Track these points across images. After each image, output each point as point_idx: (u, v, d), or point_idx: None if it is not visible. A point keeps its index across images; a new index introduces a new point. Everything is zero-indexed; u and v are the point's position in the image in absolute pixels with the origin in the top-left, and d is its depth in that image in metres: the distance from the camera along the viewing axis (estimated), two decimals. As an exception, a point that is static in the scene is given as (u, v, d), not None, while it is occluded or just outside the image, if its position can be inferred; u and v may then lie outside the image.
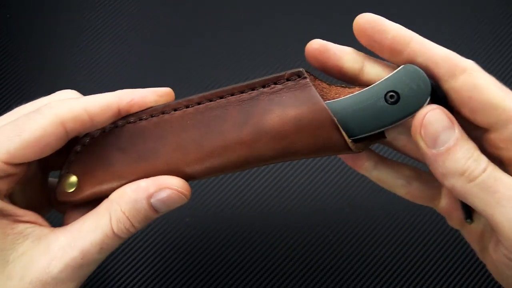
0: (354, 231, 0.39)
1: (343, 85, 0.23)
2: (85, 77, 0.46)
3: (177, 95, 0.34)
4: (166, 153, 0.23)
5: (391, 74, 0.22)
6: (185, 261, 0.39)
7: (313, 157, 0.23)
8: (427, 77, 0.21)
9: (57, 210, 0.28)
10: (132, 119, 0.24)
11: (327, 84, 0.23)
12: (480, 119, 0.21)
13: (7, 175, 0.22)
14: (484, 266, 0.38)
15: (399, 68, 0.21)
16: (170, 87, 0.25)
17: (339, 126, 0.21)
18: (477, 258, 0.38)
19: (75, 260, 0.22)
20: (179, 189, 0.23)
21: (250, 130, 0.22)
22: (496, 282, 0.38)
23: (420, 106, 0.21)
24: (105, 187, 0.24)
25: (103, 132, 0.24)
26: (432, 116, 0.20)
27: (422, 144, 0.21)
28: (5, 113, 0.25)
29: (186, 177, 0.23)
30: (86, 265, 0.22)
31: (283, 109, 0.21)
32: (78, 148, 0.24)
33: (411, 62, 0.21)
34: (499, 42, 0.46)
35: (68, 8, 0.50)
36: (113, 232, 0.22)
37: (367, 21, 0.22)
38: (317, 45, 0.23)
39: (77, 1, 0.50)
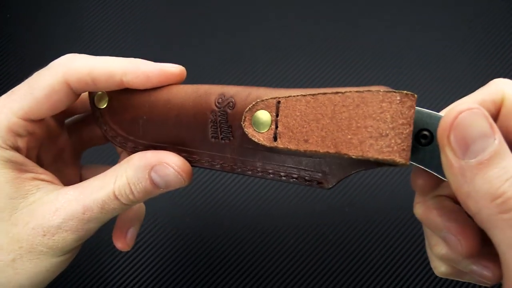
0: (354, 231, 0.40)
1: None
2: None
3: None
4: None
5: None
6: (185, 260, 0.39)
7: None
8: None
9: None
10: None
11: None
12: None
13: (27, 133, 0.24)
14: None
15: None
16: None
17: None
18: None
19: (77, 214, 0.23)
20: (178, 168, 0.23)
21: None
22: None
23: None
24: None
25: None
26: (468, 117, 0.16)
27: (448, 151, 0.17)
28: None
29: None
30: (87, 220, 0.23)
31: None
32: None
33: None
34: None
35: (68, 8, 0.50)
36: (114, 194, 0.23)
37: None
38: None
39: (77, 1, 0.50)
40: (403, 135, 0.18)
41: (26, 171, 0.23)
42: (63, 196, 0.23)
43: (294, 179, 0.23)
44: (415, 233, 0.39)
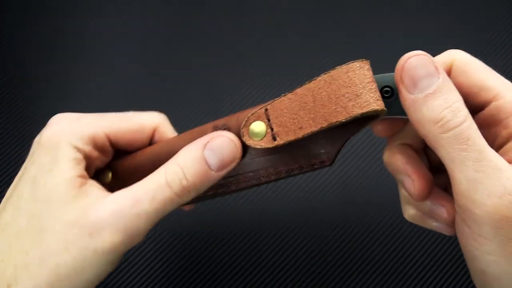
0: (354, 231, 0.40)
1: None
2: (86, 76, 0.46)
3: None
4: None
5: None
6: (185, 261, 0.39)
7: None
8: None
9: None
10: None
11: None
12: (472, 101, 0.22)
13: (97, 150, 0.26)
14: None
15: None
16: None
17: None
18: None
19: (126, 207, 0.22)
20: (232, 137, 0.24)
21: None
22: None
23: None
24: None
25: None
26: (415, 61, 0.21)
27: (402, 89, 0.21)
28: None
29: None
30: (136, 214, 0.22)
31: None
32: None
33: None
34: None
35: (68, 8, 0.50)
36: (166, 181, 0.22)
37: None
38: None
39: (78, 1, 0.50)
40: (372, 90, 0.22)
41: (86, 177, 0.24)
42: (111, 196, 0.23)
43: (304, 169, 0.26)
44: (415, 232, 0.39)
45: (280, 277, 0.38)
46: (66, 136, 0.24)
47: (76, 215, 0.22)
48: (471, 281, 0.38)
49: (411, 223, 0.39)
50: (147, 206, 0.22)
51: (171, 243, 0.39)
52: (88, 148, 0.25)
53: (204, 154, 0.23)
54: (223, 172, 0.24)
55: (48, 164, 0.24)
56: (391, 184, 0.40)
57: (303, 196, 0.41)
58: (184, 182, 0.23)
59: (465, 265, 0.38)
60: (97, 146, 0.26)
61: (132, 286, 0.38)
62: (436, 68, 0.20)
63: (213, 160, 0.23)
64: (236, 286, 0.38)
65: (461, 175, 0.20)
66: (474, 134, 0.20)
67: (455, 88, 0.21)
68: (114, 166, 0.28)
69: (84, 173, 0.24)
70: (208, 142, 0.23)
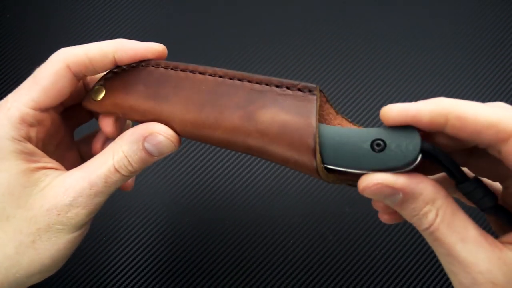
0: (354, 231, 0.39)
1: (349, 119, 0.24)
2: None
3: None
4: (173, 103, 0.26)
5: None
6: (185, 261, 0.39)
7: (282, 165, 0.24)
8: (419, 143, 0.20)
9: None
10: (166, 66, 0.27)
11: (335, 111, 0.24)
12: (483, 144, 0.21)
13: (37, 123, 0.26)
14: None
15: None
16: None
17: (317, 147, 0.22)
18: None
19: (84, 190, 0.26)
20: (168, 136, 0.26)
21: (242, 114, 0.24)
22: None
23: (402, 165, 0.20)
24: (119, 110, 0.27)
25: (140, 64, 0.27)
26: (372, 191, 0.22)
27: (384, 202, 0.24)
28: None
29: (175, 130, 0.27)
30: (94, 195, 0.26)
31: (279, 110, 0.23)
32: (116, 69, 0.28)
33: (455, 135, 0.21)
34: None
35: (68, 7, 0.50)
36: (115, 168, 0.26)
37: (397, 114, 0.21)
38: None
39: (78, 1, 0.50)
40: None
41: (35, 161, 0.26)
42: (70, 178, 0.26)
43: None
44: (415, 233, 0.39)
45: (280, 277, 0.38)
46: None
47: (40, 202, 0.25)
48: None
49: (410, 225, 0.39)
50: (102, 188, 0.26)
51: (170, 244, 0.40)
52: (24, 130, 0.26)
53: (144, 146, 0.26)
54: (164, 155, 0.27)
55: None
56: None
57: (303, 196, 0.41)
58: (130, 168, 0.26)
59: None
60: (32, 122, 0.26)
61: (132, 285, 0.38)
62: (394, 188, 0.21)
63: (154, 151, 0.26)
64: (236, 286, 0.38)
65: (441, 263, 0.22)
66: (441, 234, 0.21)
67: (422, 191, 0.21)
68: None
69: (34, 155, 0.26)
70: (146, 136, 0.26)
